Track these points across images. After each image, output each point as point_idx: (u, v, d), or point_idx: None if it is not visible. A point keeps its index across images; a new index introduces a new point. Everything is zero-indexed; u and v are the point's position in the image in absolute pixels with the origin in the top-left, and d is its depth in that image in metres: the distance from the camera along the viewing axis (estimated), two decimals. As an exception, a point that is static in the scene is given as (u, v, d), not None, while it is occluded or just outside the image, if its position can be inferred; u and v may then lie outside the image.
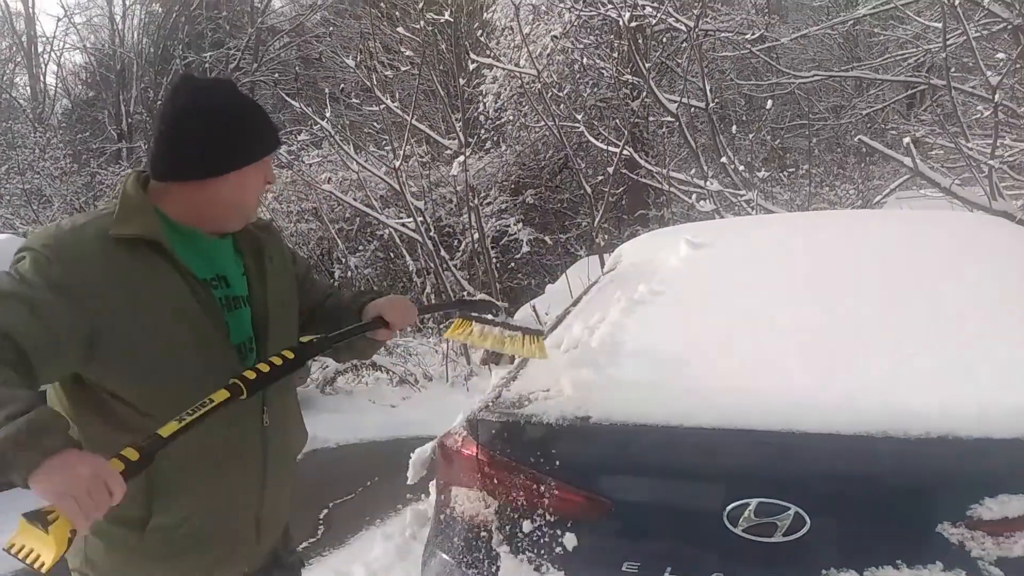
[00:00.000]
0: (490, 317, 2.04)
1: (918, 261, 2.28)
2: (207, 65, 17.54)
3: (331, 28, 17.25)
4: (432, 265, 8.90)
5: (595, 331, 2.20)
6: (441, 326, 9.04)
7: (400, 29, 9.75)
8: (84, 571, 1.54)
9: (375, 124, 11.69)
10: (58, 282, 1.37)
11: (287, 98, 10.29)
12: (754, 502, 1.62)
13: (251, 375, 1.46)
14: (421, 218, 8.63)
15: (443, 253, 9.20)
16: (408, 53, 9.73)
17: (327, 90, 10.46)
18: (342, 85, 13.17)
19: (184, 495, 1.51)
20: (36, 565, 1.12)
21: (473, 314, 2.05)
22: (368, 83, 8.55)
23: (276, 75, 18.50)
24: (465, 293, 8.76)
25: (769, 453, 1.67)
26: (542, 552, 1.81)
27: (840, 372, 1.79)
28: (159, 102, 1.57)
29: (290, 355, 1.55)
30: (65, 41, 21.78)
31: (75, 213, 9.87)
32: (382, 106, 8.67)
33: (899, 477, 1.60)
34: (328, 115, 8.77)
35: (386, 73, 9.95)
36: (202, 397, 1.40)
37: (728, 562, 1.64)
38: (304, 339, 1.66)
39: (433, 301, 8.96)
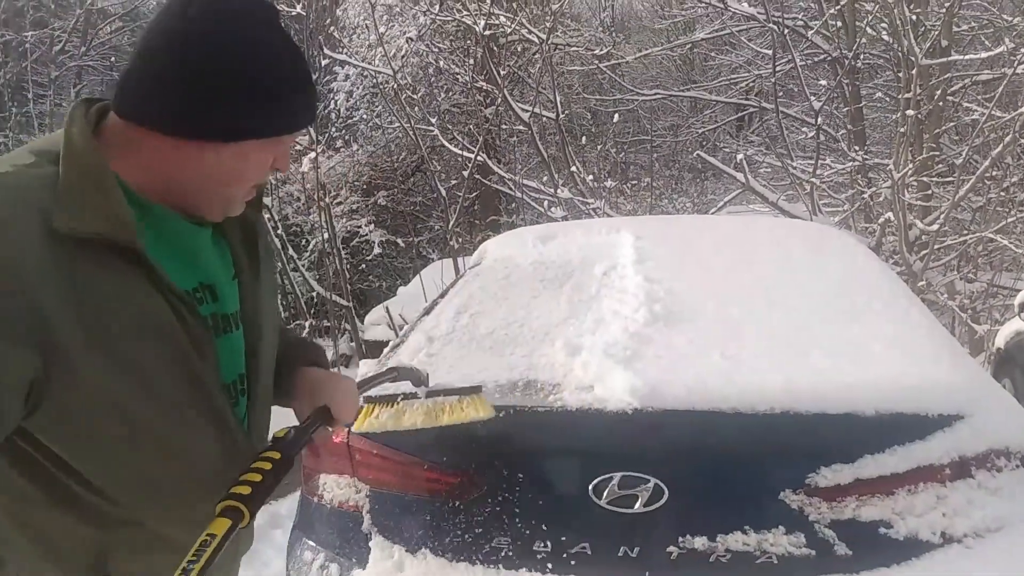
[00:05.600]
0: (412, 391, 1.75)
1: (759, 258, 2.49)
2: (28, 46, 16.19)
3: (171, 15, 16.42)
4: (279, 264, 8.65)
5: (456, 323, 2.28)
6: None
7: (249, 20, 9.42)
8: None
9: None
10: None
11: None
12: (617, 476, 1.71)
13: (245, 490, 1.03)
14: (268, 215, 8.38)
15: (291, 252, 8.96)
16: (257, 45, 9.39)
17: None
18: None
19: None
20: None
21: (388, 394, 1.73)
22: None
23: (110, 60, 17.31)
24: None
25: (631, 430, 1.77)
26: (413, 534, 1.83)
27: (693, 355, 1.93)
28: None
29: (276, 456, 1.11)
30: None
31: None
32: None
33: (747, 450, 1.75)
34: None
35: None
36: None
37: (593, 533, 1.73)
38: (279, 432, 1.20)
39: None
